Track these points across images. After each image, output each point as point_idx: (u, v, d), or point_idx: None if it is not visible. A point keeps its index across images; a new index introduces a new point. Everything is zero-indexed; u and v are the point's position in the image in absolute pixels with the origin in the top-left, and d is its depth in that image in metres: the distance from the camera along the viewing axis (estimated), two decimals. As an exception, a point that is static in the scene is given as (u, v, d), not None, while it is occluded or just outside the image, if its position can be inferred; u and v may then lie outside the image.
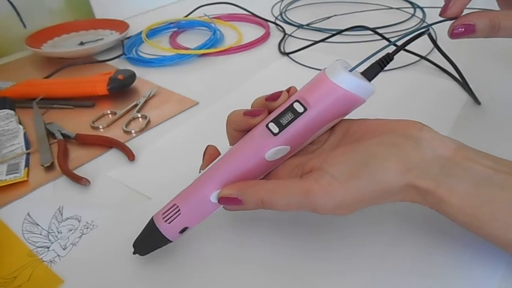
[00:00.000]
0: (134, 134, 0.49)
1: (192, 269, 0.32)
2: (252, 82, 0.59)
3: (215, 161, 0.31)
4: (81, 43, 0.75)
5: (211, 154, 0.32)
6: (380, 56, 0.30)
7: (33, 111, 0.53)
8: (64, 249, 0.34)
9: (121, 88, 0.57)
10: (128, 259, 0.32)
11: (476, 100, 0.49)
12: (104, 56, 0.70)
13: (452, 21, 0.33)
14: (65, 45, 0.75)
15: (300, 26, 0.77)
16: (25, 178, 0.42)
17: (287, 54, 0.66)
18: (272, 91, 0.30)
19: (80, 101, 0.56)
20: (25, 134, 0.49)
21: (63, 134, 0.48)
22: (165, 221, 0.30)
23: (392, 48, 0.30)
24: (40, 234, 0.36)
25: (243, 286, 0.30)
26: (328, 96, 0.28)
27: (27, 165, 0.44)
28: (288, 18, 0.81)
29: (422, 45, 0.61)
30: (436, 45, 0.53)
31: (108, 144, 0.47)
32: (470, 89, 0.50)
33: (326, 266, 0.31)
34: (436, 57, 0.56)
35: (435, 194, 0.26)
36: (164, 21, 0.80)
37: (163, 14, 0.86)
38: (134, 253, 0.32)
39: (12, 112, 0.53)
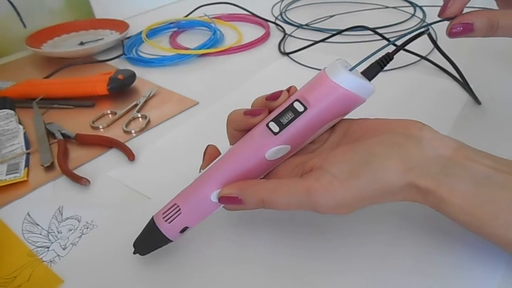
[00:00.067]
0: (134, 134, 0.49)
1: (192, 269, 0.32)
2: (252, 82, 0.59)
3: (215, 161, 0.31)
4: (81, 43, 0.75)
5: (211, 153, 0.32)
6: (380, 56, 0.30)
7: (33, 111, 0.53)
8: (64, 249, 0.34)
9: (121, 88, 0.57)
10: (128, 259, 0.32)
11: (477, 100, 0.49)
12: (104, 56, 0.70)
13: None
14: (65, 45, 0.75)
15: (300, 26, 0.77)
16: (25, 178, 0.42)
17: (287, 54, 0.66)
18: (272, 91, 0.30)
19: (80, 101, 0.56)
20: (25, 134, 0.49)
21: (63, 134, 0.48)
22: (166, 220, 0.30)
23: (392, 48, 0.30)
24: (40, 234, 0.36)
25: (243, 286, 0.30)
26: (328, 95, 0.28)
27: (27, 165, 0.44)
28: (288, 18, 0.81)
29: (422, 45, 0.61)
30: (436, 45, 0.53)
31: (108, 144, 0.47)
32: (471, 89, 0.50)
33: (326, 266, 0.31)
34: (436, 57, 0.56)
35: (436, 193, 0.26)
36: (164, 21, 0.80)
37: (163, 14, 0.86)
38: (134, 252, 0.32)
39: (12, 112, 0.53)
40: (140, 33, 0.75)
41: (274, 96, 0.30)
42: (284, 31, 0.76)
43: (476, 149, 0.28)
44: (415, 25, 0.75)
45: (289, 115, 0.28)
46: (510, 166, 0.27)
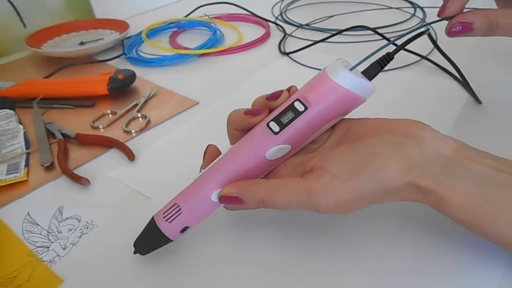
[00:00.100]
0: (134, 134, 0.49)
1: (192, 268, 0.31)
2: (252, 82, 0.59)
3: (215, 161, 0.31)
4: (81, 43, 0.75)
5: (211, 153, 0.32)
6: (380, 56, 0.30)
7: (33, 111, 0.53)
8: (64, 249, 0.34)
9: (121, 88, 0.57)
10: (128, 258, 0.32)
11: (477, 100, 0.49)
12: (104, 56, 0.70)
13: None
14: (65, 45, 0.75)
15: (300, 26, 0.77)
16: (25, 178, 0.42)
17: (287, 54, 0.66)
18: (273, 91, 0.30)
19: (80, 101, 0.56)
20: (25, 134, 0.49)
21: (63, 134, 0.48)
22: (166, 220, 0.30)
23: (392, 48, 0.30)
24: (40, 234, 0.36)
25: (243, 285, 0.30)
26: (328, 95, 0.28)
27: (27, 165, 0.44)
28: (288, 18, 0.81)
29: (422, 45, 0.61)
30: (436, 45, 0.53)
31: (108, 144, 0.47)
32: (471, 89, 0.50)
33: (326, 265, 0.31)
34: (437, 56, 0.56)
35: (436, 193, 0.26)
36: (164, 21, 0.80)
37: (163, 14, 0.86)
38: (134, 252, 0.31)
39: (12, 112, 0.53)
40: (140, 33, 0.75)
41: (275, 96, 0.30)
42: (284, 31, 0.76)
43: (477, 149, 0.28)
44: (415, 25, 0.75)
45: (290, 115, 0.28)
46: (511, 166, 0.27)
